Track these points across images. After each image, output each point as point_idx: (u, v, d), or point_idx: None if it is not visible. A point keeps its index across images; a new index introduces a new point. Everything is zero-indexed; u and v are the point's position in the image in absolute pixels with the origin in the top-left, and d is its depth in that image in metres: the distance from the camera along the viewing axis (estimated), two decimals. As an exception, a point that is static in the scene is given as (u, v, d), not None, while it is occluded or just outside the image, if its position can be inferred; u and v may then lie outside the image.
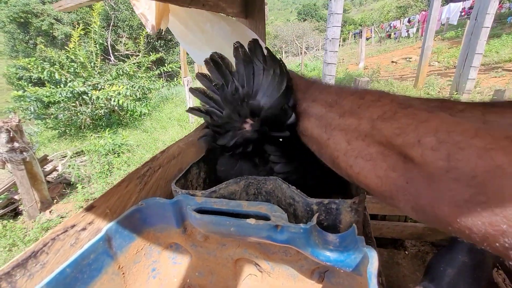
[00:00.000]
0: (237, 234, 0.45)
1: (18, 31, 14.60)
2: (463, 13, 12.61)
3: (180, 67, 8.35)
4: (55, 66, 6.26)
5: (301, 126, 0.44)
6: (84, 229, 0.44)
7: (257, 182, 0.61)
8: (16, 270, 0.35)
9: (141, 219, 0.54)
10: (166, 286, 0.58)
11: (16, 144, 3.49)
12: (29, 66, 6.03)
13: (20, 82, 7.13)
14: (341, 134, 0.36)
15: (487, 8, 5.05)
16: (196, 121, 6.75)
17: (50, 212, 3.98)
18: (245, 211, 0.47)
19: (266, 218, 0.46)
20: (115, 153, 5.38)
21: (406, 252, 2.56)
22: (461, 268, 1.52)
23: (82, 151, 5.61)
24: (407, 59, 11.50)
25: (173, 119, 7.38)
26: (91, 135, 5.94)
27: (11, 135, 3.46)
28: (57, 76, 6.11)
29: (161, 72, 8.06)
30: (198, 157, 0.77)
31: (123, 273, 0.51)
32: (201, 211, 0.50)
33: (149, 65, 8.02)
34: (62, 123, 6.93)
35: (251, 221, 0.42)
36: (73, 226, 0.43)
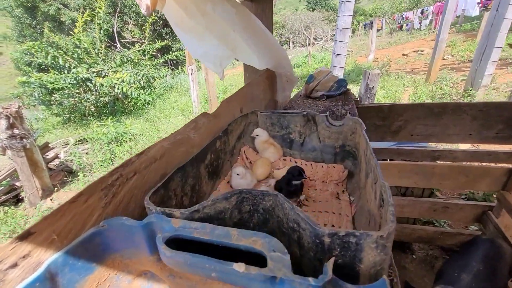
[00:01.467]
0: (219, 281, 0.33)
1: (26, 15, 14.49)
2: (480, 5, 11.99)
3: (185, 56, 8.17)
4: (59, 51, 6.15)
5: None
6: (14, 265, 0.33)
7: (253, 197, 0.49)
8: None
9: (103, 244, 0.42)
10: (138, 322, 0.47)
11: (16, 131, 3.43)
12: (33, 50, 5.94)
13: (26, 67, 7.06)
14: None
15: (510, -2, 4.74)
16: (200, 111, 6.62)
17: (51, 199, 3.95)
18: (234, 245, 0.35)
19: (260, 255, 0.34)
20: (117, 142, 5.32)
21: (414, 256, 2.44)
22: (476, 275, 1.45)
23: (85, 139, 5.57)
24: (419, 52, 11.07)
25: (177, 109, 7.27)
26: (95, 123, 5.88)
27: (10, 122, 3.39)
28: (60, 61, 6.02)
29: (166, 60, 7.90)
30: (187, 159, 0.64)
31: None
32: (177, 240, 0.38)
33: (154, 53, 7.87)
34: (66, 110, 6.89)
35: (240, 267, 0.30)
36: (-3, 263, 0.31)
